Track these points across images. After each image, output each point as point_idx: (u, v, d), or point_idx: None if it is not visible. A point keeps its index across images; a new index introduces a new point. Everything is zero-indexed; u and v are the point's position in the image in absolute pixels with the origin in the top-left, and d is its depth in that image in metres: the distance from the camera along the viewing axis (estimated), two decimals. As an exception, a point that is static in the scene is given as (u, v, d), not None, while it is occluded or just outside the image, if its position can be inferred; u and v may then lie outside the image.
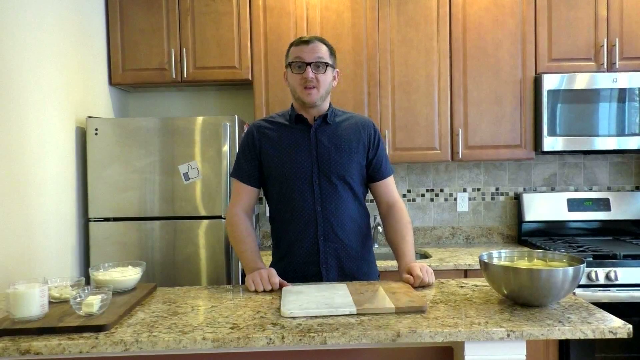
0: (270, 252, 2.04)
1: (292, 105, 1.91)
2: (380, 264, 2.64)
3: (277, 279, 1.70)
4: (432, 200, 3.29)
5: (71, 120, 2.56)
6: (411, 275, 1.69)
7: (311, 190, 1.82)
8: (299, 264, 1.83)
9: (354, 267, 1.85)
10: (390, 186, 1.95)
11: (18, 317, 1.35)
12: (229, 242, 2.61)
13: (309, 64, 1.77)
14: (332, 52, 1.85)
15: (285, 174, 1.83)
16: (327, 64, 1.80)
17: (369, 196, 1.98)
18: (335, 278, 1.83)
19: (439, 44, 2.95)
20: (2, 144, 2.00)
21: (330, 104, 1.92)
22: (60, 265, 2.42)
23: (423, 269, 1.69)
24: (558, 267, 1.42)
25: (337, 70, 1.90)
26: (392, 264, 2.63)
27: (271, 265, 1.95)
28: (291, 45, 1.84)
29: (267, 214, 1.98)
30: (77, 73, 2.64)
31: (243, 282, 1.78)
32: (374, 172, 1.91)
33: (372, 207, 2.16)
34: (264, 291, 1.68)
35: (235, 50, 2.96)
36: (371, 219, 3.18)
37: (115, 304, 1.49)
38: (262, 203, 3.10)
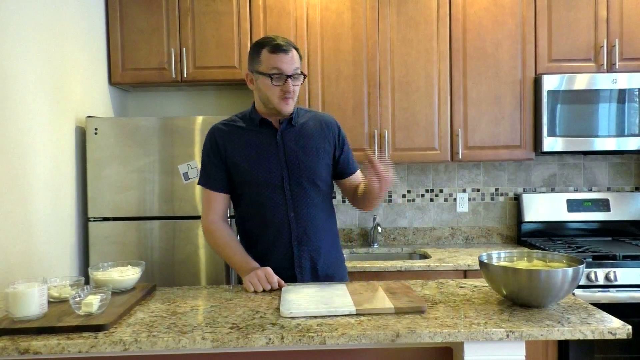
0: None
1: (253, 108, 1.85)
2: (380, 264, 2.64)
3: (275, 278, 1.70)
4: (431, 200, 3.29)
5: (71, 119, 2.56)
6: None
7: (283, 196, 1.79)
8: (274, 269, 1.77)
9: (325, 267, 1.85)
10: (357, 176, 1.95)
11: (17, 316, 1.35)
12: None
13: (289, 76, 1.72)
14: (301, 56, 1.80)
15: (255, 181, 1.79)
16: (305, 75, 1.79)
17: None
18: (309, 280, 1.82)
19: (438, 44, 2.95)
20: (1, 144, 2.00)
21: None
22: (59, 265, 2.42)
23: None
24: (557, 268, 1.42)
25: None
26: (391, 264, 2.63)
27: None
28: (261, 47, 1.74)
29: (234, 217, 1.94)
30: (77, 73, 2.64)
31: (242, 282, 1.77)
32: (342, 169, 1.90)
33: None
34: (263, 291, 1.68)
35: (235, 50, 2.96)
36: (370, 220, 3.21)
37: (115, 304, 1.49)
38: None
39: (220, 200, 1.86)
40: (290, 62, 1.73)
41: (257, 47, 1.76)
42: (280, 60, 1.71)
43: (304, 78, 1.80)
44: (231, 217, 2.30)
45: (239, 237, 1.94)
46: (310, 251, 1.83)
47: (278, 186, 1.79)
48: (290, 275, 1.81)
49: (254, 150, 1.80)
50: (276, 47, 1.72)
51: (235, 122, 1.86)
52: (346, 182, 1.94)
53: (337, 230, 1.97)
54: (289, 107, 1.76)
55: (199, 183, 1.88)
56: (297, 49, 1.78)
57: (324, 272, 1.85)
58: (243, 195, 1.84)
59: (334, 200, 2.58)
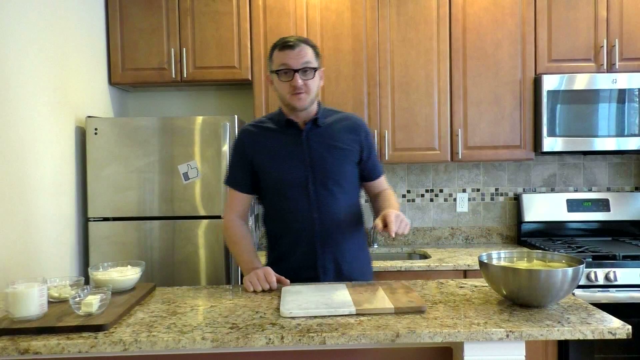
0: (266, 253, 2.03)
1: (280, 109, 1.87)
2: (380, 264, 2.64)
3: (273, 278, 1.70)
4: (431, 200, 3.29)
5: (71, 119, 2.56)
6: (384, 222, 1.61)
7: (307, 197, 1.79)
8: (295, 268, 1.81)
9: (350, 269, 1.84)
10: (383, 183, 1.96)
11: (17, 316, 1.35)
12: (228, 242, 2.62)
13: (296, 70, 1.73)
14: (317, 54, 1.80)
15: (280, 182, 1.81)
16: (315, 69, 1.76)
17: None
18: (332, 280, 1.82)
19: (438, 44, 2.95)
20: (1, 144, 2.00)
21: (319, 103, 1.88)
22: (59, 265, 2.42)
23: (399, 217, 1.62)
24: (557, 268, 1.42)
25: (322, 69, 1.84)
26: (391, 264, 2.63)
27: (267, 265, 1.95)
28: (274, 48, 1.78)
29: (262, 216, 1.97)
30: (77, 73, 2.64)
31: (242, 282, 1.78)
32: (367, 173, 1.91)
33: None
34: (263, 291, 1.68)
35: (235, 50, 2.96)
36: (370, 220, 3.20)
37: (115, 304, 1.49)
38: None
39: (242, 200, 1.89)
40: (297, 56, 1.73)
41: (271, 48, 1.80)
42: (287, 56, 1.73)
43: (314, 72, 1.76)
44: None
45: (265, 237, 1.97)
46: (335, 253, 1.82)
47: (302, 187, 1.79)
48: (313, 276, 1.81)
49: (279, 151, 1.81)
50: (284, 44, 1.75)
51: (264, 123, 1.88)
52: (369, 186, 1.94)
53: (363, 231, 1.96)
54: (301, 102, 1.75)
55: (224, 182, 1.95)
56: (311, 45, 1.78)
57: (348, 274, 1.83)
58: (268, 195, 1.86)
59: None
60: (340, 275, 1.83)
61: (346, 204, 1.84)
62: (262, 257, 1.93)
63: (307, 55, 1.75)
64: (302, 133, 1.81)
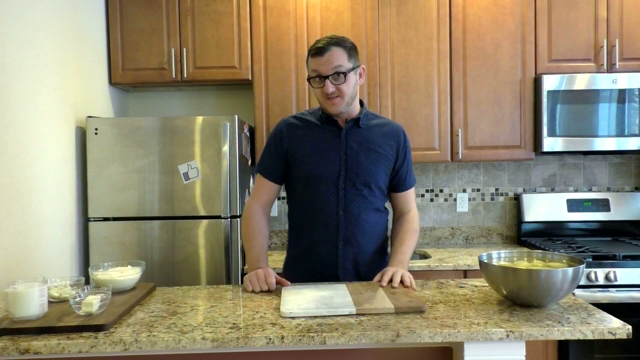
0: (277, 252, 2.03)
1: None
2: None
3: (273, 280, 1.70)
4: (431, 200, 3.29)
5: (71, 119, 2.56)
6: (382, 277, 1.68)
7: (335, 194, 1.80)
8: (316, 265, 1.83)
9: (369, 271, 1.83)
10: (409, 196, 1.93)
11: (17, 316, 1.35)
12: (228, 242, 2.62)
13: (327, 77, 1.72)
14: (351, 53, 1.76)
15: (312, 175, 1.81)
16: (345, 73, 1.73)
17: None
18: (351, 281, 1.81)
19: (438, 44, 2.95)
20: (1, 144, 2.00)
21: (363, 105, 1.88)
22: (59, 265, 2.42)
23: (397, 275, 1.66)
24: (557, 268, 1.42)
25: (362, 66, 1.83)
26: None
27: (285, 263, 1.96)
28: (309, 53, 1.77)
29: (287, 210, 1.97)
30: (77, 72, 2.64)
31: (242, 282, 1.78)
32: (398, 183, 1.89)
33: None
34: (262, 291, 1.68)
35: (235, 50, 2.96)
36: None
37: (115, 304, 1.49)
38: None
39: (269, 190, 1.89)
40: (327, 62, 1.72)
41: (308, 52, 1.79)
42: (317, 63, 1.73)
43: (345, 75, 1.72)
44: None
45: (288, 232, 1.97)
46: (355, 253, 1.82)
47: (333, 183, 1.80)
48: (333, 274, 1.81)
49: (316, 144, 1.82)
50: (314, 50, 1.74)
51: (305, 116, 1.90)
52: (397, 199, 1.92)
53: (386, 235, 1.95)
54: (335, 107, 1.76)
55: (256, 170, 1.94)
56: (342, 44, 1.74)
57: (366, 276, 1.82)
58: (298, 188, 1.87)
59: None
60: (358, 277, 1.83)
61: (372, 207, 1.84)
62: (271, 256, 1.91)
63: (338, 58, 1.72)
64: (342, 131, 1.82)
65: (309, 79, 1.78)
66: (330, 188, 1.80)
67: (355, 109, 1.84)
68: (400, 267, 1.72)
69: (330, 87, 1.72)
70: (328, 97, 1.74)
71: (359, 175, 1.79)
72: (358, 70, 1.81)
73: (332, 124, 1.84)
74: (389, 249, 1.95)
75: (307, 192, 1.84)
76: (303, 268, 1.85)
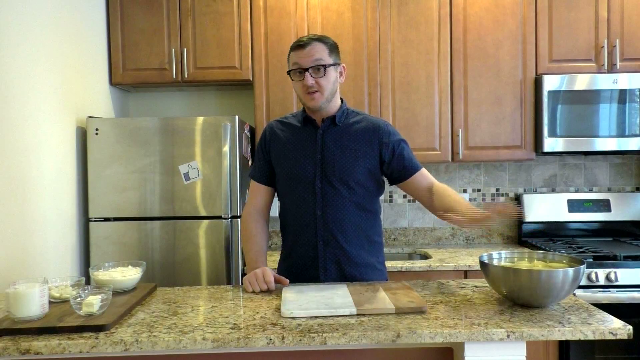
0: (278, 252, 2.04)
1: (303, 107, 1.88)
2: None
3: (271, 279, 1.70)
4: (432, 200, 3.29)
5: (71, 120, 2.57)
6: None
7: (313, 193, 1.80)
8: (298, 266, 1.84)
9: (356, 273, 1.81)
10: (422, 177, 1.82)
11: (18, 316, 1.35)
12: (229, 242, 2.62)
13: (307, 69, 1.72)
14: (332, 50, 1.77)
15: (290, 176, 1.83)
16: (325, 66, 1.73)
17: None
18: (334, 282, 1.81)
19: (439, 44, 2.95)
20: (2, 144, 2.00)
21: (343, 103, 1.87)
22: (60, 265, 2.42)
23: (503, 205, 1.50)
24: (558, 268, 1.42)
25: (343, 65, 1.83)
26: (392, 264, 2.63)
27: (279, 263, 1.96)
28: (290, 49, 1.79)
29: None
30: (78, 73, 2.64)
31: (243, 282, 1.78)
32: (398, 173, 1.83)
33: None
34: (262, 291, 1.68)
35: (235, 51, 2.96)
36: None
37: (115, 304, 1.49)
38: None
39: (261, 193, 1.93)
40: (308, 55, 1.73)
41: (290, 49, 1.81)
42: (297, 56, 1.75)
43: (325, 69, 1.72)
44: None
45: (280, 232, 1.99)
46: (337, 254, 1.80)
47: (310, 183, 1.80)
48: (314, 275, 1.81)
49: (294, 145, 1.84)
50: (296, 44, 1.77)
51: (287, 119, 1.92)
52: (409, 184, 1.84)
53: (376, 236, 1.88)
54: (314, 102, 1.76)
55: (249, 175, 1.98)
56: (324, 41, 1.76)
57: (352, 276, 1.80)
58: (280, 190, 1.90)
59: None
60: (344, 278, 1.81)
61: (354, 205, 1.80)
62: (271, 256, 1.92)
63: (319, 52, 1.73)
64: (319, 130, 1.83)
65: (289, 72, 1.78)
66: (307, 188, 1.80)
67: (335, 106, 1.83)
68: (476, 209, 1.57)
69: (309, 79, 1.72)
70: (308, 92, 1.75)
71: (335, 174, 1.78)
72: (339, 68, 1.81)
73: (310, 124, 1.84)
74: (382, 257, 1.92)
75: (288, 194, 1.86)
76: (290, 268, 1.85)
